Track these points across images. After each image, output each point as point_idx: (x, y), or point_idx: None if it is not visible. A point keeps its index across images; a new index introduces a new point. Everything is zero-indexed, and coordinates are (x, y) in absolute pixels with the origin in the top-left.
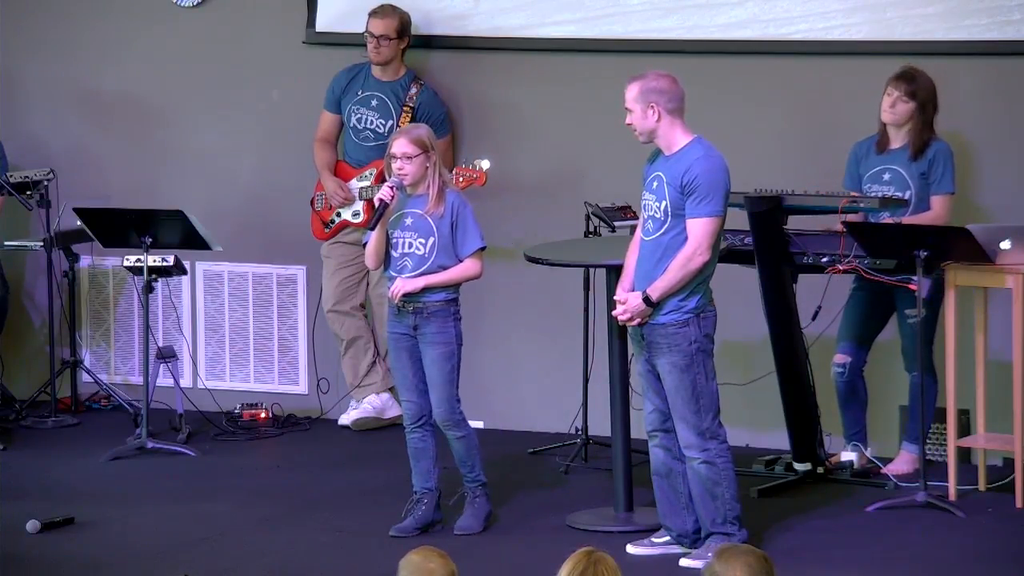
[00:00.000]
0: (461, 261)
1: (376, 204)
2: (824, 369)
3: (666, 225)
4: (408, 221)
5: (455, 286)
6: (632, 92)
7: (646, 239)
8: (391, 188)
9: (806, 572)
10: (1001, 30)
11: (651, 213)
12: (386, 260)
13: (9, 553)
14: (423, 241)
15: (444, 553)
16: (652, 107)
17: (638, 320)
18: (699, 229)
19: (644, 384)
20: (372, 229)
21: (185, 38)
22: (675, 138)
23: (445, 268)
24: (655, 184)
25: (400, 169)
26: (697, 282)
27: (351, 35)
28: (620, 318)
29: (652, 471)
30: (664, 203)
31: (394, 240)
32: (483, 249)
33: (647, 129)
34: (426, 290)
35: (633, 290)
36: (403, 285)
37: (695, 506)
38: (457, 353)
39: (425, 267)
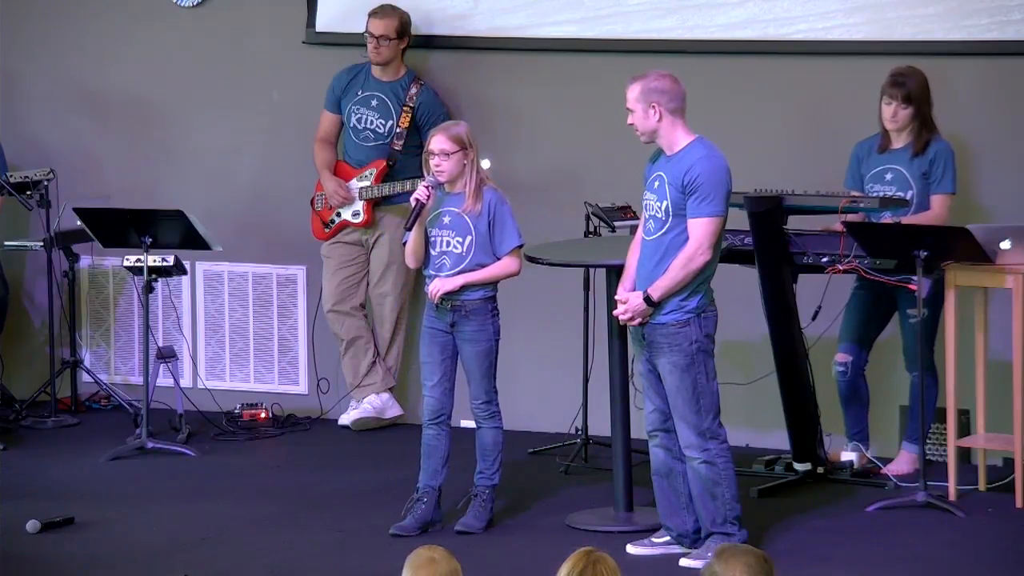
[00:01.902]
0: (499, 259)
1: (412, 204)
2: (824, 369)
3: (667, 225)
4: (446, 220)
5: (493, 284)
6: (634, 92)
7: (647, 239)
8: (426, 187)
9: (806, 572)
10: (1001, 30)
11: (652, 213)
12: (425, 258)
13: (9, 553)
14: (460, 240)
15: (451, 552)
16: (654, 107)
17: (639, 320)
18: (700, 229)
19: (645, 384)
20: (409, 229)
21: (185, 38)
22: (677, 138)
23: (483, 266)
24: (656, 184)
25: (438, 166)
26: (698, 282)
27: (351, 35)
28: (621, 318)
29: (652, 471)
30: (665, 203)
31: (432, 238)
32: (521, 247)
33: (649, 129)
34: (464, 288)
35: (634, 290)
36: (442, 285)
37: (695, 506)
38: (495, 348)
39: (463, 265)
